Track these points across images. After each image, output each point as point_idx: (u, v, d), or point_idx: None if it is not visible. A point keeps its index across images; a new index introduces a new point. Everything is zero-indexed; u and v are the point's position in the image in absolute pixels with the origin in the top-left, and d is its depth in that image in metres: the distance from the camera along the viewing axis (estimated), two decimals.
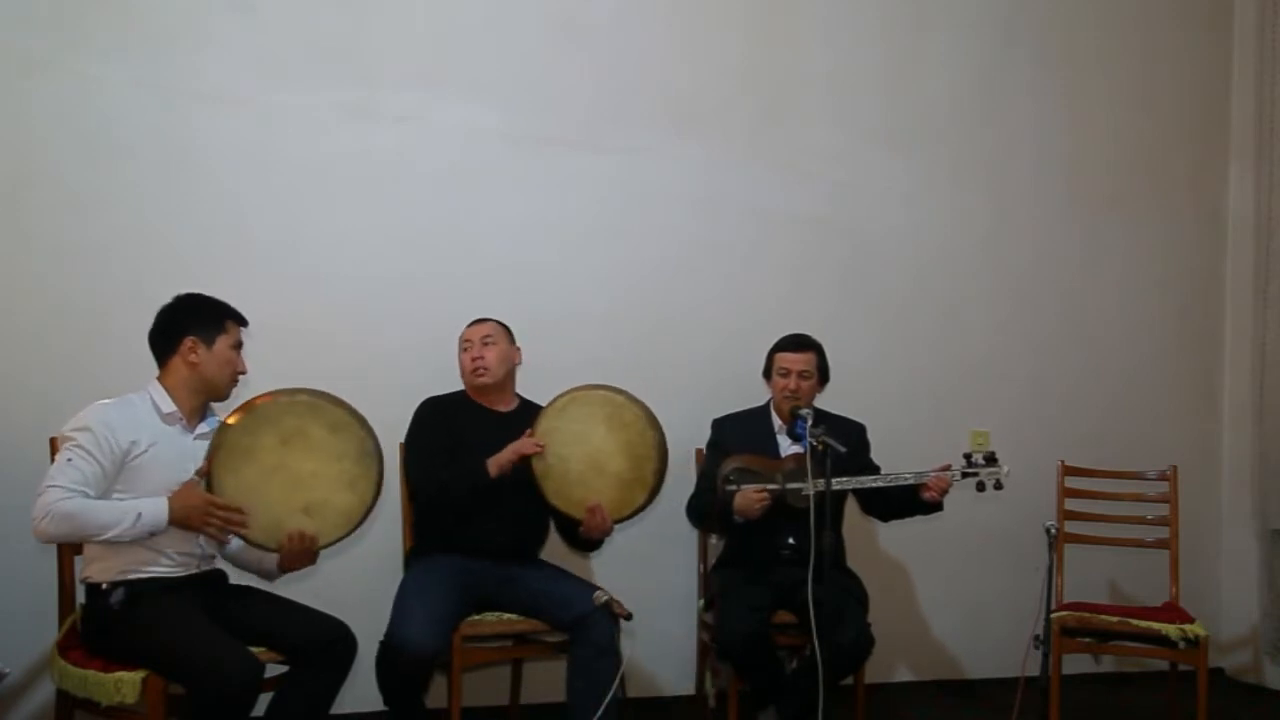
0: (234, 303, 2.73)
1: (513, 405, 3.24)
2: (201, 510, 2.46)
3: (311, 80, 3.43)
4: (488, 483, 2.96)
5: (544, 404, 3.08)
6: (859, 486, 3.21)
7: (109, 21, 3.22)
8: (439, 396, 3.23)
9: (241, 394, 2.68)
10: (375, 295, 3.48)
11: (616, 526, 3.08)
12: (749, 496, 3.13)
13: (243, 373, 2.68)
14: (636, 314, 3.78)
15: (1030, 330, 4.36)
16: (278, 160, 3.38)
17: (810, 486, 2.95)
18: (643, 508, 3.10)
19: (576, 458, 3.02)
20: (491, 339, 3.20)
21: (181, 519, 2.46)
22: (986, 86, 4.32)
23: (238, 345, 2.66)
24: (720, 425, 3.43)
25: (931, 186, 4.23)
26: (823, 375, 3.43)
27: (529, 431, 3.00)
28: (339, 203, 3.45)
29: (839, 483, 3.06)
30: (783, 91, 4.04)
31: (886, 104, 4.18)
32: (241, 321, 2.70)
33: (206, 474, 2.49)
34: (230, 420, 2.53)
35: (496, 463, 2.97)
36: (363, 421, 2.65)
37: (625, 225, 3.79)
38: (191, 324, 2.61)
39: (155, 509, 2.43)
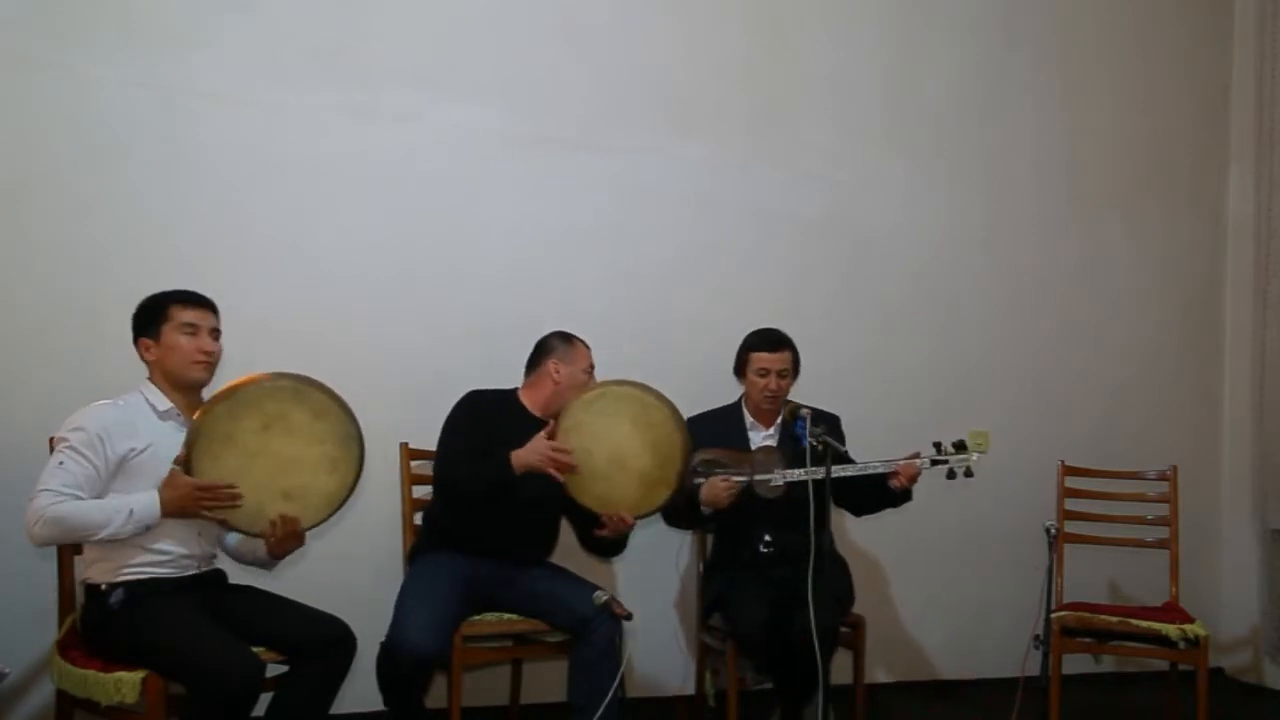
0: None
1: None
2: (190, 496, 2.43)
3: (311, 80, 3.43)
4: (510, 478, 2.92)
5: None
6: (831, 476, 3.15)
7: (109, 21, 3.22)
8: (483, 391, 3.17)
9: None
10: (375, 295, 3.47)
11: (638, 523, 3.06)
12: (716, 486, 3.15)
13: (207, 351, 2.57)
14: (636, 314, 3.78)
15: (1030, 330, 4.36)
16: (278, 160, 3.38)
17: (779, 477, 3.09)
18: (664, 507, 3.10)
19: (600, 452, 3.00)
20: None
21: (175, 509, 2.44)
22: (986, 86, 4.33)
23: (189, 328, 2.56)
24: (692, 424, 3.39)
25: (931, 186, 4.23)
26: (796, 370, 3.43)
27: (550, 429, 2.97)
28: (339, 203, 3.45)
29: (807, 472, 3.03)
30: (783, 91, 4.04)
31: (886, 104, 4.18)
32: (190, 300, 2.58)
33: (185, 460, 2.45)
34: (209, 406, 2.48)
35: (523, 463, 2.92)
36: (344, 405, 2.60)
37: (625, 225, 3.79)
38: (139, 328, 2.60)
39: (147, 503, 2.42)
